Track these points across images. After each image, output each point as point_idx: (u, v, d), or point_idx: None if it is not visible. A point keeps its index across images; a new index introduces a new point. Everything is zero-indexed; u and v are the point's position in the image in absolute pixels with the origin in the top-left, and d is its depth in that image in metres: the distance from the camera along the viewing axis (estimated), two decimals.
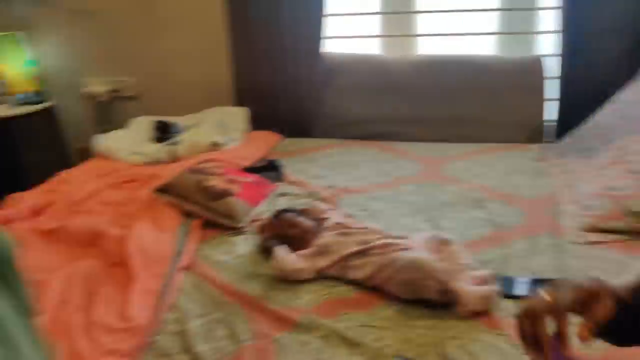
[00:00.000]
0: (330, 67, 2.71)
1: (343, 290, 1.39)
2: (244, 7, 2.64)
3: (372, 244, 1.43)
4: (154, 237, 1.62)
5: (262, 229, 1.65)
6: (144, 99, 3.06)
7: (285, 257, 1.44)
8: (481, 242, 1.58)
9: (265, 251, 1.56)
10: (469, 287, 1.27)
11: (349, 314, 1.28)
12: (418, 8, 2.84)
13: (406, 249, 1.39)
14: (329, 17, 2.68)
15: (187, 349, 1.19)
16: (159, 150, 2.41)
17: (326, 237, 1.50)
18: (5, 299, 0.44)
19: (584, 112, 2.23)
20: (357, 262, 1.41)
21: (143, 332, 1.23)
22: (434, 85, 2.65)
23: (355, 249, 1.43)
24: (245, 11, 2.64)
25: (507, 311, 1.23)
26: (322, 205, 1.77)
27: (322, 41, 2.64)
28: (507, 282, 1.33)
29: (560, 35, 2.46)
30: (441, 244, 1.44)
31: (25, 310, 0.47)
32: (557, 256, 1.47)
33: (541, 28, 2.77)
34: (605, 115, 2.13)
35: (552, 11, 2.57)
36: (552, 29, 2.59)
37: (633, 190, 1.61)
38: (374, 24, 2.94)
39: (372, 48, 2.97)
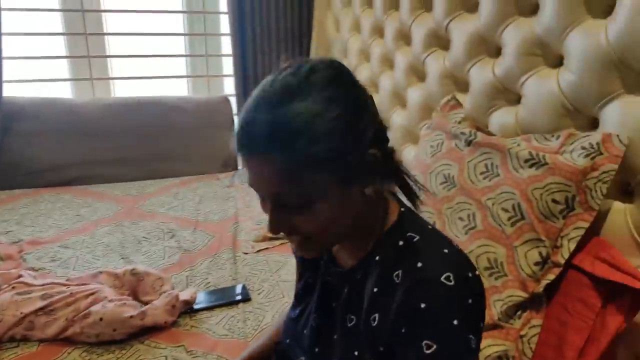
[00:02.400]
0: (10, 113, 2.49)
1: (27, 346, 1.31)
2: None
3: (56, 297, 1.38)
4: None
5: None
6: None
7: None
8: (172, 268, 1.68)
9: None
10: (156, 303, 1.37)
11: None
12: (108, 52, 2.86)
13: (92, 294, 1.40)
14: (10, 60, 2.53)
15: None
16: None
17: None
18: None
19: None
20: (43, 319, 1.34)
21: None
22: (129, 126, 2.66)
23: (38, 305, 1.35)
24: None
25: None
26: (12, 270, 1.60)
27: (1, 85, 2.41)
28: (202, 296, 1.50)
29: (233, 78, 2.87)
30: (132, 275, 1.50)
31: None
32: (232, 267, 1.68)
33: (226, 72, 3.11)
34: None
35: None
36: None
37: None
38: (63, 68, 2.84)
39: (64, 93, 2.86)
